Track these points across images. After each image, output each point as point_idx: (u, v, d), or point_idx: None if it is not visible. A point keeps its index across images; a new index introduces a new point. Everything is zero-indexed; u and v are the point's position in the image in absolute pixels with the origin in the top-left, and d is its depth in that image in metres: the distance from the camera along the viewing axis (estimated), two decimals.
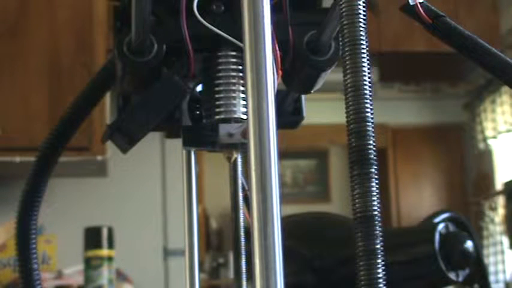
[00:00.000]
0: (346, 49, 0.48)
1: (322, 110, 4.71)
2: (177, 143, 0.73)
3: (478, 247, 0.97)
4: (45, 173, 0.76)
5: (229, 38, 0.64)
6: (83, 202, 2.92)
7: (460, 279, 0.92)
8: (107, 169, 2.64)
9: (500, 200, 4.73)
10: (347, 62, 0.47)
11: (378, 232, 0.46)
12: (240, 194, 0.80)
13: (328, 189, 6.24)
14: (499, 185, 4.85)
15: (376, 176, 0.47)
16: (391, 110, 5.30)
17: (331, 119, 4.19)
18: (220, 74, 0.68)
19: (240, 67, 0.68)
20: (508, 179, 4.45)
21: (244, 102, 0.67)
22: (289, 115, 0.75)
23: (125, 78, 0.68)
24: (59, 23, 2.39)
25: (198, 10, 0.63)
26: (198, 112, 0.71)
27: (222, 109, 0.67)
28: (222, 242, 5.52)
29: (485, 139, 4.98)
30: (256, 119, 0.48)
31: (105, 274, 1.80)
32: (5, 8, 2.37)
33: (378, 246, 0.46)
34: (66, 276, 2.01)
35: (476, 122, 5.15)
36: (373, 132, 0.47)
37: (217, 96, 0.68)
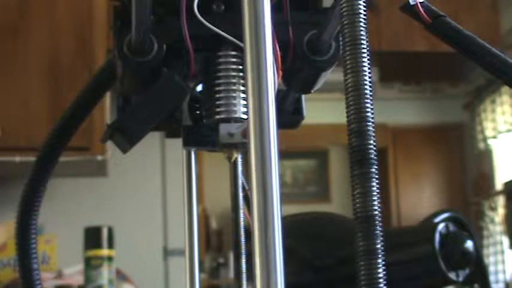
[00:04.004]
0: (347, 49, 0.48)
1: (322, 110, 4.72)
2: (177, 142, 0.73)
3: (478, 247, 0.97)
4: (45, 173, 0.76)
5: (230, 37, 0.64)
6: (83, 202, 2.92)
7: (460, 279, 0.92)
8: (107, 169, 2.64)
9: (500, 200, 4.73)
10: (348, 62, 0.47)
11: (378, 232, 0.46)
12: (240, 194, 0.80)
13: (328, 189, 6.24)
14: (499, 185, 4.85)
15: (376, 176, 0.47)
16: (391, 110, 5.30)
17: (331, 119, 4.19)
18: (221, 74, 0.68)
19: (241, 67, 0.68)
20: (508, 179, 4.45)
21: (244, 102, 0.67)
22: (290, 115, 0.75)
23: (125, 78, 0.68)
24: (59, 23, 2.39)
25: (198, 10, 0.63)
26: (198, 112, 0.71)
27: (222, 109, 0.67)
28: (222, 242, 5.52)
29: (485, 139, 4.98)
30: (256, 119, 0.48)
31: (105, 274, 1.80)
32: (5, 8, 2.37)
33: (379, 246, 0.46)
34: (66, 276, 2.00)
35: (476, 122, 5.15)
36: (373, 132, 0.47)
37: (217, 96, 0.68)
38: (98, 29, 2.40)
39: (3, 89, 2.33)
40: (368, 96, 0.47)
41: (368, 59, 0.47)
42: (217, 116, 0.68)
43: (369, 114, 0.47)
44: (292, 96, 0.75)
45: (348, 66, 0.47)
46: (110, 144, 1.52)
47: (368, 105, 0.47)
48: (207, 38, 0.65)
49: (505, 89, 4.43)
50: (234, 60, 0.68)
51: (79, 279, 1.94)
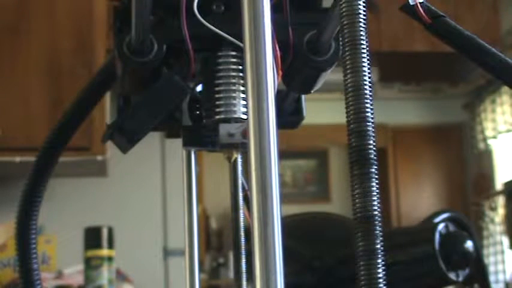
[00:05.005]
0: (347, 49, 0.48)
1: (322, 110, 4.72)
2: (177, 143, 0.73)
3: (478, 247, 0.97)
4: (45, 173, 0.76)
5: (230, 38, 0.64)
6: (83, 202, 2.92)
7: (460, 279, 0.92)
8: (107, 169, 2.64)
9: (500, 200, 4.73)
10: (347, 62, 0.47)
11: (378, 232, 0.46)
12: (240, 194, 0.80)
13: (328, 189, 6.23)
14: (499, 185, 4.85)
15: (376, 176, 0.47)
16: (391, 110, 5.30)
17: (331, 119, 4.18)
18: (221, 74, 0.68)
19: (240, 67, 0.68)
20: (508, 179, 4.45)
21: (244, 102, 0.68)
22: (290, 115, 0.75)
23: (125, 78, 0.68)
24: (59, 23, 2.39)
25: (198, 10, 0.63)
26: (198, 112, 0.71)
27: (222, 109, 0.67)
28: (222, 242, 5.52)
29: (485, 139, 4.99)
30: (256, 119, 0.48)
31: (105, 274, 1.80)
32: (5, 8, 2.37)
33: (378, 246, 0.46)
34: (66, 276, 2.00)
35: (476, 122, 5.15)
36: (373, 132, 0.47)
37: (217, 96, 0.68)
38: (98, 29, 2.40)
39: (3, 89, 2.33)
40: (368, 96, 0.47)
41: (368, 59, 0.47)
42: (217, 116, 0.68)
43: (369, 114, 0.47)
44: (292, 96, 0.75)
45: (348, 66, 0.47)
46: (110, 144, 1.52)
47: (368, 105, 0.47)
48: (207, 38, 0.65)
49: (505, 89, 4.43)
50: (234, 60, 0.68)
51: (79, 279, 1.94)
